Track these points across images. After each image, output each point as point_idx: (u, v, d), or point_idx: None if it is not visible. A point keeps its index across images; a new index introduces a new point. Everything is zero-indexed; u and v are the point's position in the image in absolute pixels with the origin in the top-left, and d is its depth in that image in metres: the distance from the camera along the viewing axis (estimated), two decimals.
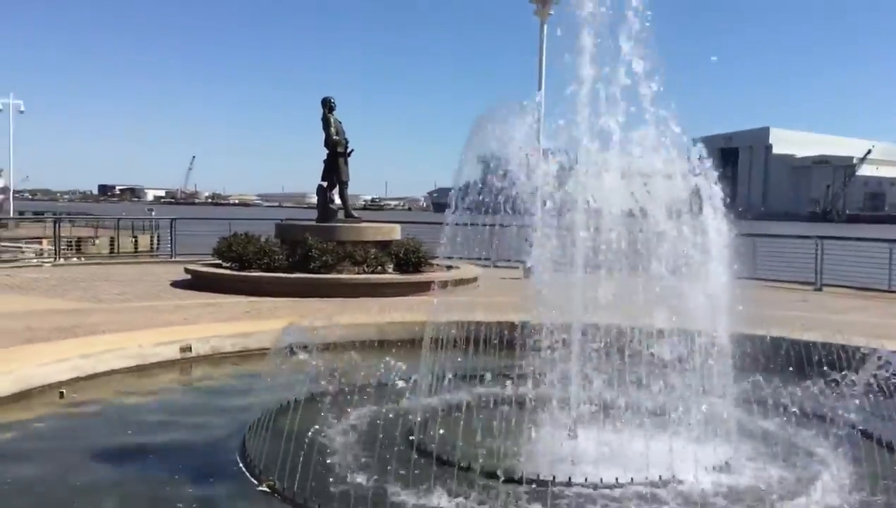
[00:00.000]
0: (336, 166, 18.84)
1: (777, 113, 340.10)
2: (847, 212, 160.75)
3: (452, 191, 6.32)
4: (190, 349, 8.61)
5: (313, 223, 18.81)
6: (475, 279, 17.59)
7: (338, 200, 19.44)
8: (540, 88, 19.47)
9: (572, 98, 6.20)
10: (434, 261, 17.90)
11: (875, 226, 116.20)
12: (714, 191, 6.29)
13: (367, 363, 6.92)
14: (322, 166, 19.04)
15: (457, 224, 6.96)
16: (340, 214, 19.22)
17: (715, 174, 6.37)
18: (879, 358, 5.92)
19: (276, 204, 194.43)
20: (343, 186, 19.20)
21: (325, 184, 19.03)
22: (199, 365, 8.68)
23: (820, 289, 18.59)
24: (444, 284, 16.14)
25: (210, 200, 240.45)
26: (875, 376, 5.79)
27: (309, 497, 4.82)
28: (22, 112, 50.80)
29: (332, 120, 18.75)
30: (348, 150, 19.12)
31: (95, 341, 8.56)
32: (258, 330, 9.05)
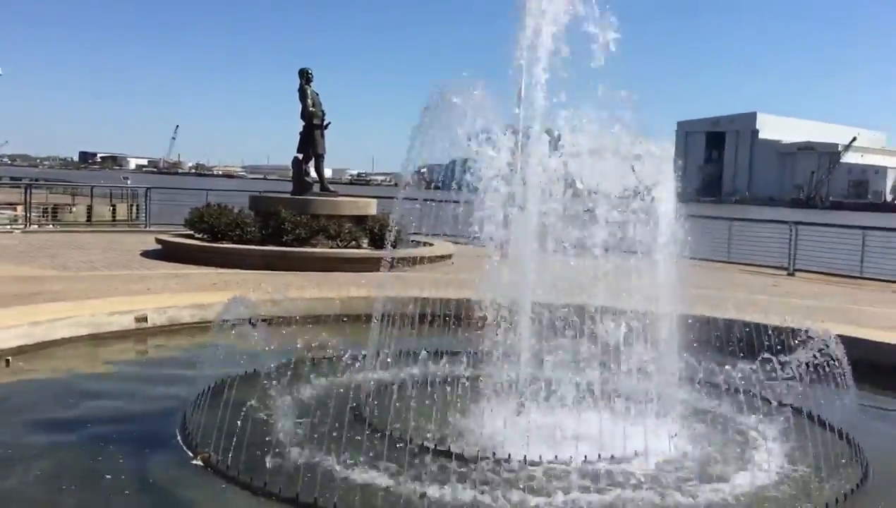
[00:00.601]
0: (312, 138, 18.63)
1: (765, 98, 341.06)
2: (831, 198, 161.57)
3: (407, 170, 6.22)
4: (146, 319, 8.48)
5: (288, 196, 18.64)
6: (450, 256, 17.51)
7: (314, 173, 19.25)
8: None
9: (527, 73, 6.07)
10: (413, 238, 17.79)
11: (857, 212, 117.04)
12: (666, 174, 6.17)
13: (317, 337, 6.84)
14: (298, 138, 18.85)
15: (433, 200, 6.91)
16: (316, 187, 19.06)
17: (671, 155, 6.25)
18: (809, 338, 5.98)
19: (261, 176, 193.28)
20: (319, 159, 19.00)
21: (300, 156, 18.84)
22: (155, 336, 8.57)
23: (792, 274, 18.65)
24: (417, 260, 16.13)
25: (194, 171, 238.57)
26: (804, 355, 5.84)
27: (242, 471, 4.75)
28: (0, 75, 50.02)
29: (308, 91, 18.53)
30: (325, 123, 18.92)
31: (47, 308, 8.41)
32: (217, 300, 8.89)
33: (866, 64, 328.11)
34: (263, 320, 8.33)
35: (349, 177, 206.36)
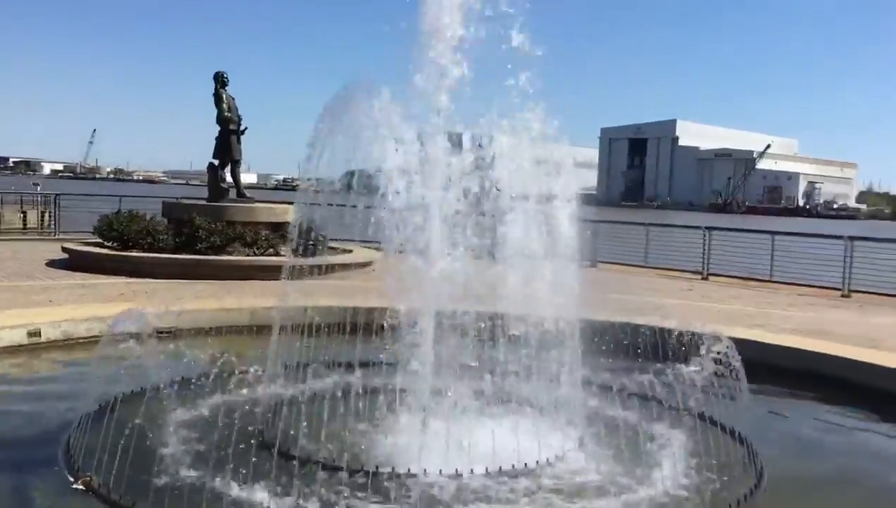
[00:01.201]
0: (228, 144, 18.27)
1: (684, 106, 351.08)
2: (747, 203, 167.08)
3: (306, 174, 6.06)
4: (39, 333, 8.07)
5: (203, 202, 18.18)
6: (370, 263, 17.33)
7: (230, 179, 18.82)
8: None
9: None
10: (335, 246, 17.56)
11: (772, 217, 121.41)
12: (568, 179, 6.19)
13: (217, 350, 6.61)
14: (209, 145, 18.44)
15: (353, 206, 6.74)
16: (233, 194, 18.65)
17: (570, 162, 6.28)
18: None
19: (184, 181, 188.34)
20: (235, 165, 18.64)
21: (216, 162, 18.43)
22: (48, 351, 8.14)
23: (706, 278, 19.12)
24: (334, 267, 15.93)
25: (112, 176, 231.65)
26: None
27: (125, 493, 4.52)
28: None
29: (224, 95, 18.14)
30: (242, 128, 18.56)
31: None
32: (116, 314, 8.56)
33: (780, 72, 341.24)
34: (165, 333, 8.10)
35: (275, 183, 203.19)
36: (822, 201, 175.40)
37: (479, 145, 6.71)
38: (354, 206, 5.98)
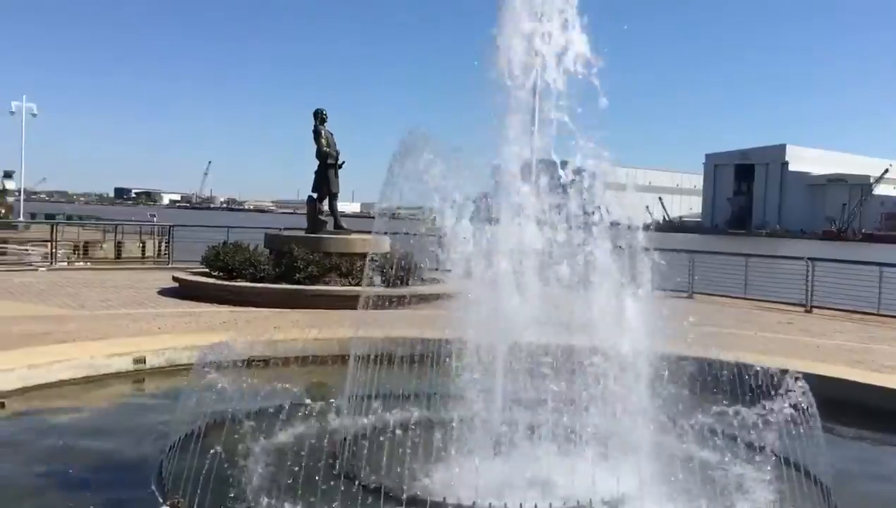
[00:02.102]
0: (326, 177, 18.96)
1: (794, 131, 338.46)
2: (864, 230, 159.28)
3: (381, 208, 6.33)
4: (144, 361, 8.65)
5: (302, 234, 18.90)
6: (459, 293, 17.53)
7: (328, 211, 19.52)
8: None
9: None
10: (429, 275, 17.92)
11: (890, 245, 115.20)
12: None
13: (304, 379, 6.91)
14: (313, 177, 19.18)
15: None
16: (331, 226, 19.29)
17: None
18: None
19: (291, 210, 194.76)
20: (333, 197, 19.31)
21: (315, 195, 19.16)
22: (152, 378, 8.71)
23: (810, 311, 18.46)
24: (425, 297, 16.22)
25: (225, 205, 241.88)
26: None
27: None
28: (35, 115, 51.35)
29: (323, 132, 18.88)
30: (339, 162, 19.24)
31: (48, 350, 8.61)
32: (216, 342, 9.07)
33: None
34: (258, 362, 8.52)
35: (377, 211, 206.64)
36: None
37: (580, 173, 6.85)
38: (439, 236, 6.19)
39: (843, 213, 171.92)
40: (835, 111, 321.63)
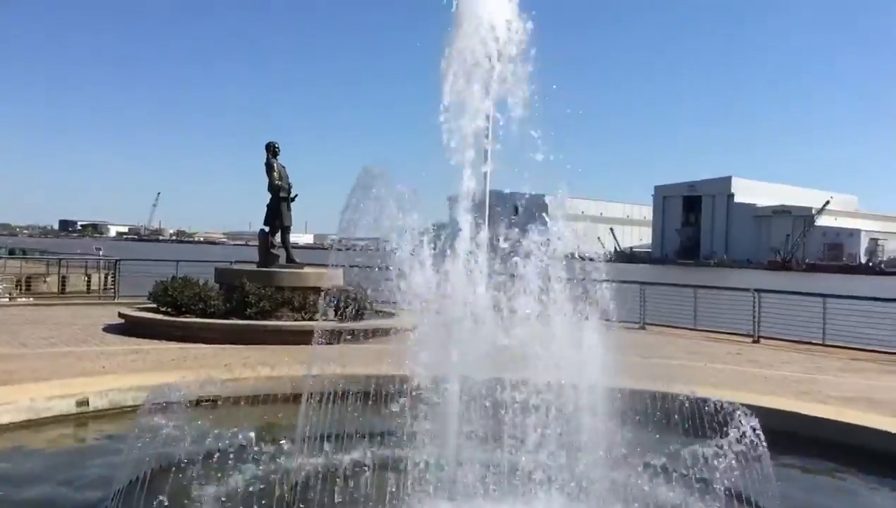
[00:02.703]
0: (278, 211, 18.81)
1: (739, 163, 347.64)
2: (807, 260, 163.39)
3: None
4: (87, 403, 8.38)
5: (254, 268, 18.68)
6: (413, 327, 17.45)
7: (280, 243, 19.33)
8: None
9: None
10: (382, 309, 17.82)
11: (833, 275, 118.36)
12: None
13: (255, 420, 6.76)
14: (264, 208, 19.01)
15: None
16: (284, 259, 19.11)
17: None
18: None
19: (243, 242, 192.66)
20: (285, 231, 19.15)
21: (267, 228, 18.98)
22: (96, 421, 8.42)
23: (757, 341, 18.79)
24: (376, 332, 16.11)
25: (174, 238, 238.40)
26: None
27: None
28: None
29: (275, 165, 18.75)
30: (292, 195, 19.12)
31: None
32: (161, 382, 8.82)
33: (837, 128, 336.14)
34: (207, 402, 8.33)
35: (331, 243, 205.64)
36: (885, 258, 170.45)
37: (525, 206, 6.90)
38: (390, 268, 6.15)
39: (787, 244, 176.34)
40: (779, 144, 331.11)
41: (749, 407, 6.51)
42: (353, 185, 6.31)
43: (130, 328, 16.61)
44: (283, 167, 19.05)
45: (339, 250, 6.63)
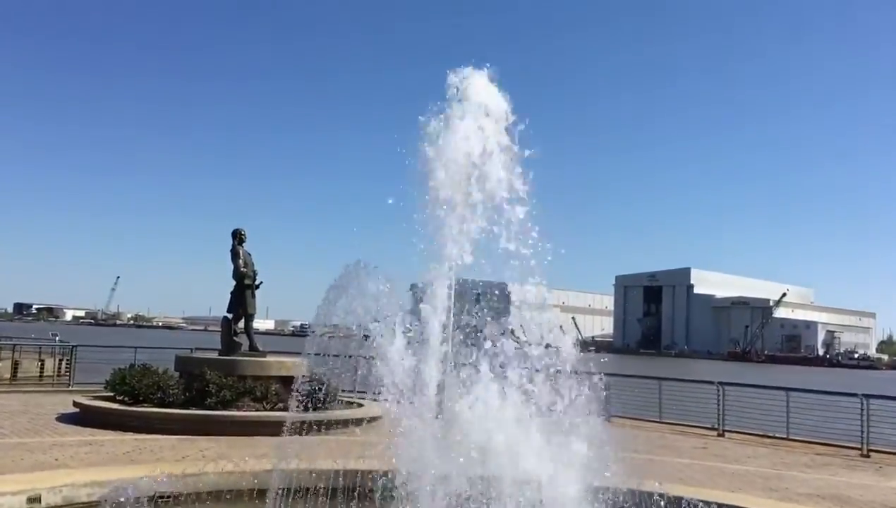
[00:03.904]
0: (243, 298, 18.60)
1: (697, 254, 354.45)
2: (766, 352, 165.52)
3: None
4: (39, 500, 7.99)
5: (215, 356, 18.35)
6: (380, 417, 17.18)
7: (243, 331, 19.06)
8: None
9: None
10: (347, 399, 17.56)
11: (793, 366, 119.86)
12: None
13: None
14: (226, 293, 18.83)
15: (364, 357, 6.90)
16: (246, 347, 18.80)
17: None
18: None
19: (202, 327, 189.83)
20: (249, 319, 18.89)
21: (230, 316, 18.73)
22: None
23: (722, 435, 18.76)
24: (342, 422, 15.80)
25: (133, 322, 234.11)
26: None
27: None
28: None
29: (241, 252, 18.65)
30: (257, 283, 18.98)
31: None
32: (117, 477, 8.48)
33: (793, 222, 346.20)
34: (166, 498, 8.03)
35: (292, 329, 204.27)
36: (842, 350, 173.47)
37: (495, 295, 6.94)
38: (369, 357, 6.11)
39: (747, 335, 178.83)
40: (737, 236, 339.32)
41: (720, 506, 6.48)
42: (334, 283, 6.33)
43: (85, 417, 16.07)
44: (249, 254, 18.96)
45: (320, 336, 6.59)
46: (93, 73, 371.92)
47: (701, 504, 6.27)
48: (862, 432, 16.60)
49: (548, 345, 6.53)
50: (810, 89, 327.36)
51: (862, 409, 16.77)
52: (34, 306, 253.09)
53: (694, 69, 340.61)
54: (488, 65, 7.15)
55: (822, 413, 18.81)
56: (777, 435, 18.33)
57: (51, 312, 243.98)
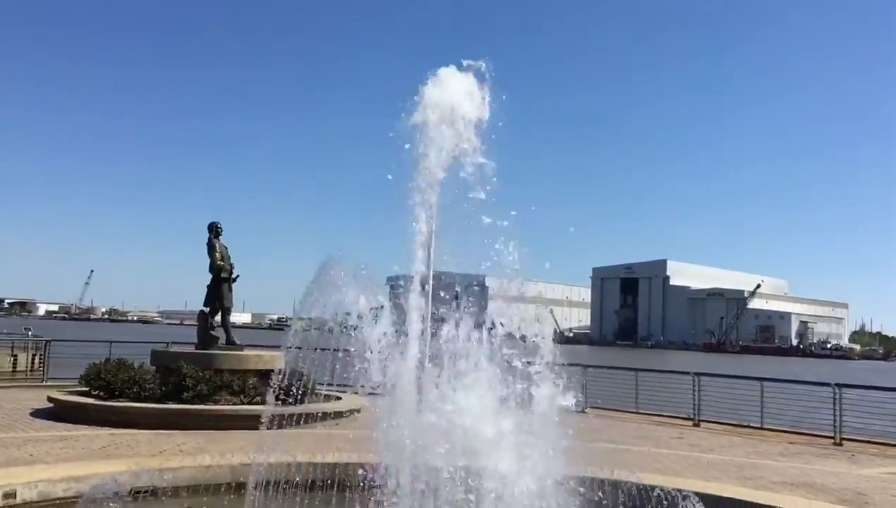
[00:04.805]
0: (220, 292, 18.48)
1: (674, 246, 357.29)
2: (741, 342, 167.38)
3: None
4: (14, 495, 7.91)
5: (191, 350, 18.22)
6: (359, 410, 17.18)
7: (220, 324, 18.94)
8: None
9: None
10: (324, 391, 17.49)
11: (767, 356, 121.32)
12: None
13: None
14: (202, 286, 18.69)
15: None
16: (223, 341, 18.69)
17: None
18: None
19: (178, 321, 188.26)
20: (226, 312, 18.77)
21: (206, 309, 18.60)
22: None
23: (698, 425, 18.94)
24: (321, 415, 15.78)
25: (107, 317, 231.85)
26: None
27: None
28: None
29: (217, 245, 18.50)
30: (234, 276, 18.86)
31: None
32: (94, 472, 8.42)
33: (768, 214, 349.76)
34: (143, 493, 7.98)
35: (269, 322, 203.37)
36: (815, 341, 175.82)
37: (475, 286, 6.95)
38: (347, 351, 6.11)
39: (722, 326, 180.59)
40: (712, 228, 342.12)
41: (697, 494, 6.55)
42: (313, 278, 6.32)
43: (60, 413, 15.91)
44: (226, 247, 18.84)
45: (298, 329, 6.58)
46: (69, 59, 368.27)
47: (675, 492, 6.32)
48: (835, 421, 16.83)
49: (523, 337, 6.56)
50: (784, 81, 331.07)
51: (835, 399, 17.00)
52: (6, 300, 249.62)
53: (672, 63, 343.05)
54: (465, 62, 7.16)
55: (795, 402, 19.06)
56: (752, 425, 18.54)
57: (23, 306, 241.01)
